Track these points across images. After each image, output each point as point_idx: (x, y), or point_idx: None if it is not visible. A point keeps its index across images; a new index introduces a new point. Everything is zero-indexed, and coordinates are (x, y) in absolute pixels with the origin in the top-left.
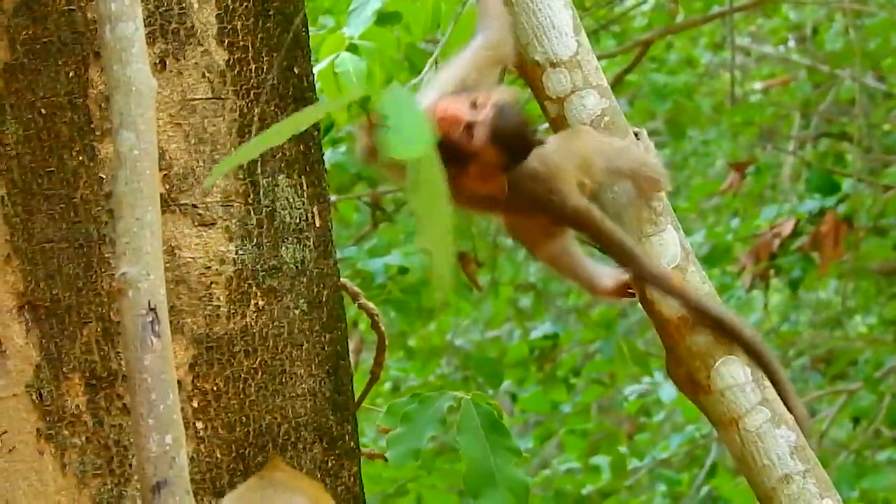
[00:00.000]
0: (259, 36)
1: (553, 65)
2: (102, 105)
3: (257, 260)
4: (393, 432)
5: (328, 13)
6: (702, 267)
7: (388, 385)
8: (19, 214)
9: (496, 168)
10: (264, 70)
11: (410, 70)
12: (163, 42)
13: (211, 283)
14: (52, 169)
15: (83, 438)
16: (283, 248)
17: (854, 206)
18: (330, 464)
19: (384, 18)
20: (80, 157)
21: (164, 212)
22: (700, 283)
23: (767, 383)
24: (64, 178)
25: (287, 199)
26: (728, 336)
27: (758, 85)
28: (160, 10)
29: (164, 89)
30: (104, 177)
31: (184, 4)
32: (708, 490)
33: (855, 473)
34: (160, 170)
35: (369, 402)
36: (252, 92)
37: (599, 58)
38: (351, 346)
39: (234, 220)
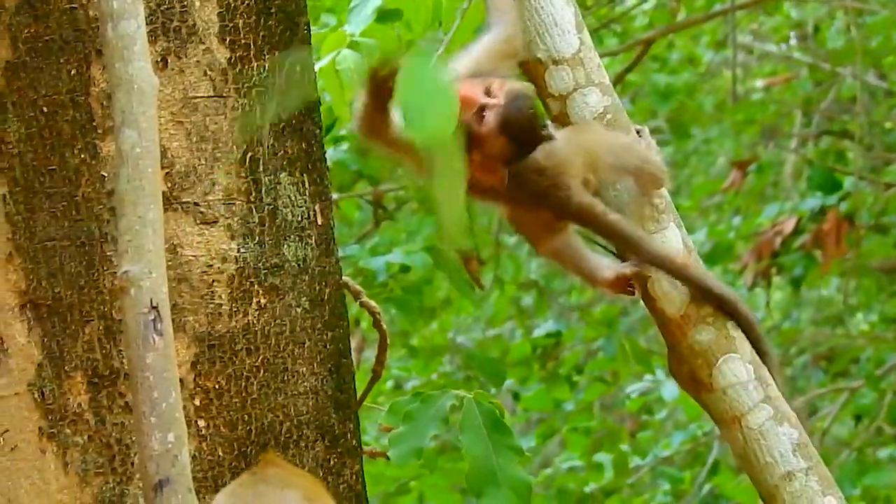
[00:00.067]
0: (261, 34)
1: (555, 62)
2: (104, 103)
3: (259, 258)
4: (395, 431)
5: (330, 11)
6: (704, 265)
7: (389, 383)
8: (21, 213)
9: (500, 159)
10: (266, 68)
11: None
12: (164, 40)
13: (213, 281)
14: (53, 167)
15: (85, 437)
16: (285, 246)
17: (855, 203)
18: (332, 462)
19: (385, 16)
20: (82, 156)
21: (165, 210)
22: None
23: (770, 381)
24: (66, 177)
25: (289, 197)
26: (730, 316)
27: (759, 83)
28: (162, 9)
29: (166, 87)
30: (106, 175)
31: (185, 3)
32: (710, 488)
33: (857, 471)
34: (162, 168)
35: (371, 400)
36: (254, 90)
37: (601, 56)
38: (353, 344)
39: (235, 219)
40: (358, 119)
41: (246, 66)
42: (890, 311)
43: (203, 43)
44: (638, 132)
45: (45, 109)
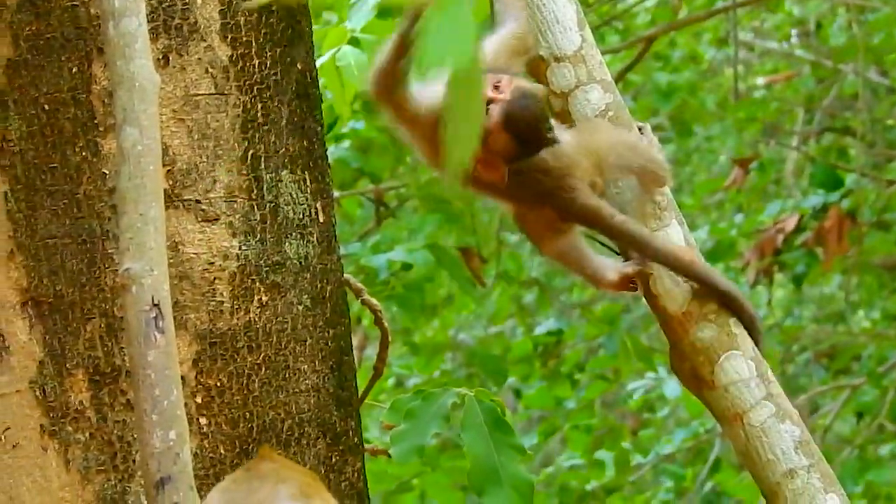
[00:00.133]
0: (262, 31)
1: (557, 59)
2: (106, 101)
3: (261, 255)
4: (396, 429)
5: (331, 9)
6: (706, 262)
7: (391, 381)
8: (22, 210)
9: (502, 155)
10: (267, 65)
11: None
12: (166, 38)
13: (214, 278)
14: (55, 165)
15: (87, 434)
16: (287, 243)
17: (858, 201)
18: (334, 459)
19: (385, 11)
20: (84, 153)
21: (167, 207)
22: None
23: (772, 378)
24: (67, 174)
25: (290, 194)
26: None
27: (760, 80)
28: (163, 6)
29: (168, 85)
30: (107, 173)
31: (187, 0)
32: (711, 486)
33: (859, 468)
34: (163, 165)
35: (372, 398)
36: (255, 87)
37: (603, 53)
38: (354, 342)
39: (237, 216)
40: (374, 76)
41: (247, 64)
42: (892, 308)
43: (204, 40)
44: (640, 129)
45: (46, 107)
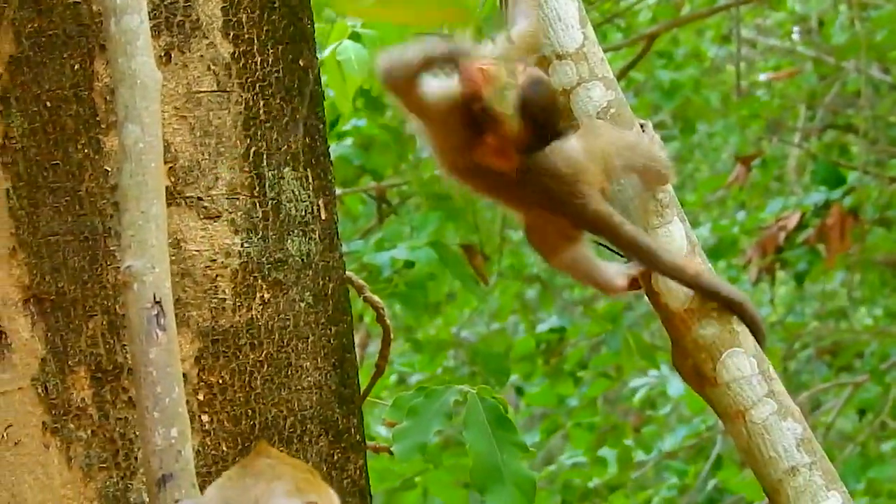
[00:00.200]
0: (264, 28)
1: (559, 57)
2: (107, 98)
3: (263, 253)
4: (399, 426)
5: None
6: (708, 259)
7: (393, 378)
8: (25, 207)
9: (516, 143)
10: (269, 63)
11: None
12: (168, 35)
13: (216, 275)
14: (57, 162)
15: (89, 432)
16: (289, 240)
17: (860, 198)
18: (335, 457)
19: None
20: (86, 150)
21: (169, 205)
22: None
23: (774, 375)
24: (69, 171)
25: (293, 191)
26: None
27: (763, 76)
28: (165, 3)
29: (170, 82)
30: (109, 170)
31: None
32: (714, 483)
33: (861, 465)
34: (165, 163)
35: (375, 395)
36: (257, 84)
37: (605, 51)
38: (356, 339)
39: (239, 213)
40: (389, 70)
41: (249, 61)
42: (894, 305)
43: (207, 37)
44: (641, 127)
45: (48, 104)
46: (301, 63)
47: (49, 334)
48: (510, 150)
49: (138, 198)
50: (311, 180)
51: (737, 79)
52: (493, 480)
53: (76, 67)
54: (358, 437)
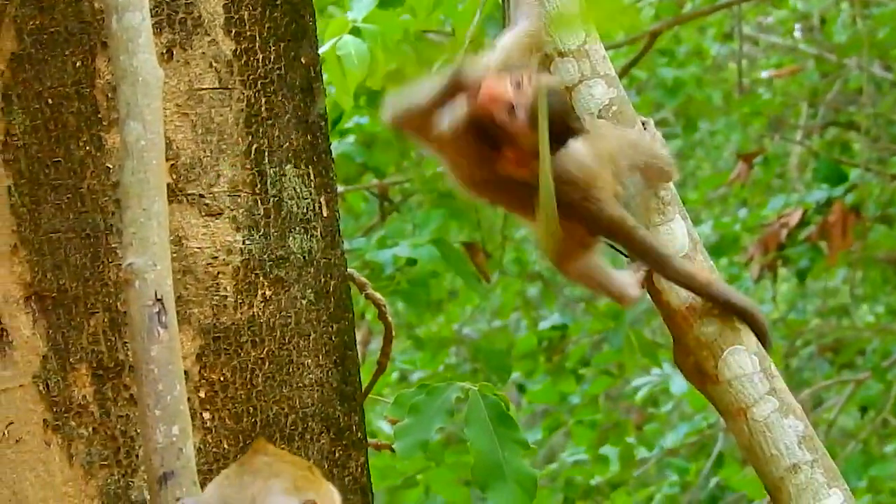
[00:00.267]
0: (266, 25)
1: (561, 54)
2: (109, 95)
3: (264, 250)
4: (400, 424)
5: (335, 3)
6: (709, 257)
7: (395, 375)
8: (26, 205)
9: (533, 154)
10: (271, 60)
11: (417, 58)
12: (170, 32)
13: (218, 273)
14: (58, 159)
15: (90, 429)
16: (291, 238)
17: (862, 195)
18: (337, 454)
19: (387, 1)
20: (87, 148)
21: (170, 202)
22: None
23: (775, 372)
24: (71, 169)
25: (294, 189)
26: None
27: (765, 74)
28: (167, 0)
29: (171, 79)
30: (111, 167)
31: None
32: (715, 481)
33: (862, 463)
34: (167, 160)
35: (376, 392)
36: (259, 82)
37: (606, 48)
38: (358, 337)
39: (241, 211)
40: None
41: (251, 58)
42: None
43: (208, 35)
44: (643, 124)
45: (50, 101)
46: (303, 60)
47: (50, 331)
48: (527, 158)
49: (140, 195)
50: (312, 177)
51: (739, 76)
52: (494, 478)
53: (78, 64)
54: (359, 434)
